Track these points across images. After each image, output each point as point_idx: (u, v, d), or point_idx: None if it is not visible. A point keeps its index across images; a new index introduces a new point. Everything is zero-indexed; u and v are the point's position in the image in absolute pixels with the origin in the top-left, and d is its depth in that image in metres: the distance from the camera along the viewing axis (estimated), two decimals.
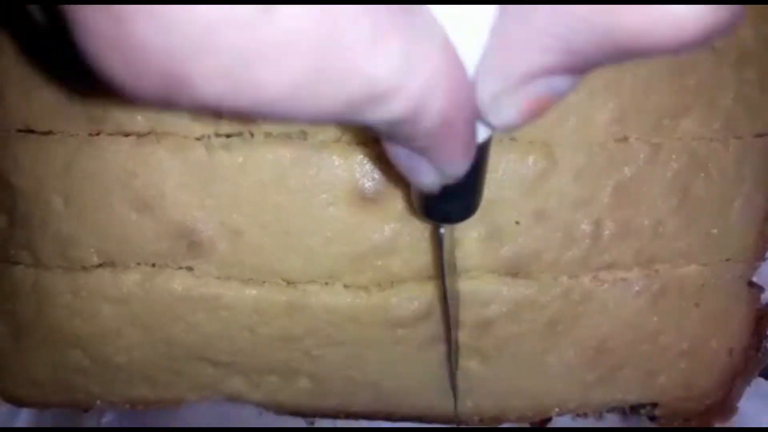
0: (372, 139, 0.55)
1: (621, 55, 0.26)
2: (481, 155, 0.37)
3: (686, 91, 0.59)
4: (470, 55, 0.28)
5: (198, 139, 0.55)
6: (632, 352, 0.65)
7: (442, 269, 0.53)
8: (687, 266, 0.64)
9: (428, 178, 0.34)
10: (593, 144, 0.58)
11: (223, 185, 0.55)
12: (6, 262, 0.61)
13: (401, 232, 0.57)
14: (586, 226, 0.59)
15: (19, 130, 0.56)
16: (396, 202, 0.56)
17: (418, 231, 0.58)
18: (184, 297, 0.59)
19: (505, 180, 0.57)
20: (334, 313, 0.59)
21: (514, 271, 0.60)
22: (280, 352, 0.61)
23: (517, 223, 0.58)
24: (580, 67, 0.28)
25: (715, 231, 0.63)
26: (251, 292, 0.58)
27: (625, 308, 0.63)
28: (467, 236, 0.58)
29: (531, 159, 0.57)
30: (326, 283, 0.58)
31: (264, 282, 0.58)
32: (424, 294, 0.60)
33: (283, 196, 0.55)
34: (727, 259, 0.64)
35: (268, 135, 0.55)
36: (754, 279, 0.69)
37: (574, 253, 0.60)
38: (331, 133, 0.55)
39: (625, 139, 0.59)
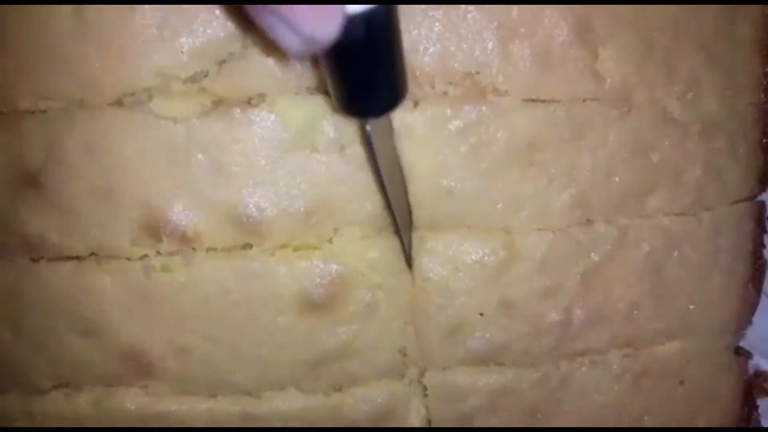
0: (319, 244, 0.52)
1: None
2: (372, 33, 0.36)
3: (651, 168, 0.56)
4: None
5: (140, 258, 0.52)
6: None
7: (376, 169, 0.49)
8: (668, 344, 0.60)
9: (289, 40, 0.33)
10: (555, 231, 0.55)
11: (167, 305, 0.52)
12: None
13: (358, 333, 0.54)
14: (555, 315, 0.56)
15: None
16: (349, 304, 0.53)
17: (376, 329, 0.54)
18: (138, 415, 0.56)
19: (465, 270, 0.54)
20: (290, 420, 0.56)
21: (485, 362, 0.57)
22: None
23: (482, 314, 0.55)
24: None
25: (694, 307, 0.59)
26: (205, 405, 0.55)
27: (606, 391, 0.60)
28: (432, 329, 0.55)
29: (489, 248, 0.54)
30: (282, 389, 0.55)
31: (217, 395, 0.55)
32: (382, 392, 0.56)
33: (229, 310, 0.52)
34: (710, 333, 0.61)
35: (210, 250, 0.52)
36: (742, 344, 0.66)
37: (545, 343, 0.57)
38: (279, 240, 0.52)
39: (590, 223, 0.55)
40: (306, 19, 0.32)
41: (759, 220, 0.61)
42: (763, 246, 0.62)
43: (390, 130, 0.49)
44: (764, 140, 0.60)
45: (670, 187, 0.56)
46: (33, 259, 0.52)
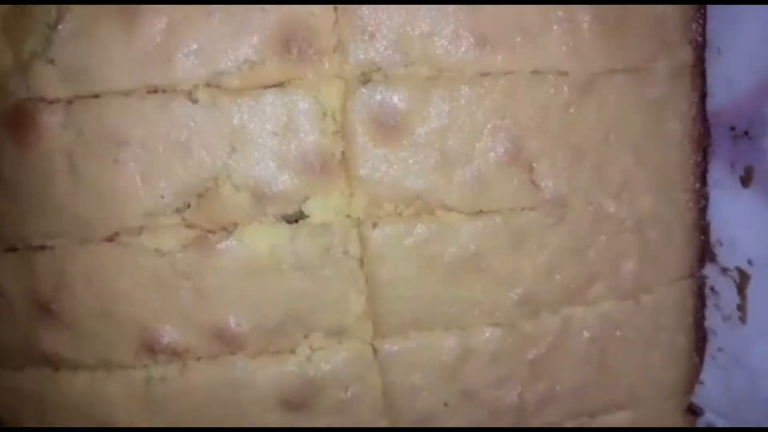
0: (293, 348, 0.58)
1: None
2: None
3: (588, 262, 0.60)
4: None
5: (143, 367, 0.58)
6: None
7: None
8: (619, 413, 0.65)
9: None
10: (504, 325, 0.60)
11: (166, 410, 0.58)
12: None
13: (333, 426, 0.60)
14: (510, 399, 0.61)
15: None
16: (323, 402, 0.58)
17: (353, 421, 0.60)
18: None
19: (427, 368, 0.59)
20: None
21: None
22: None
23: (446, 404, 0.60)
24: None
25: (639, 382, 0.64)
26: None
27: None
28: (403, 420, 0.61)
29: (447, 346, 0.59)
30: None
31: None
32: None
33: (220, 410, 0.58)
34: (657, 400, 0.65)
35: (201, 359, 0.58)
36: (695, 401, 0.70)
37: (504, 422, 0.61)
38: (257, 347, 0.58)
39: (537, 314, 0.60)
40: None
41: (699, 295, 0.66)
42: (704, 318, 0.66)
43: None
44: (701, 221, 0.64)
45: (608, 277, 0.60)
46: (54, 369, 0.59)
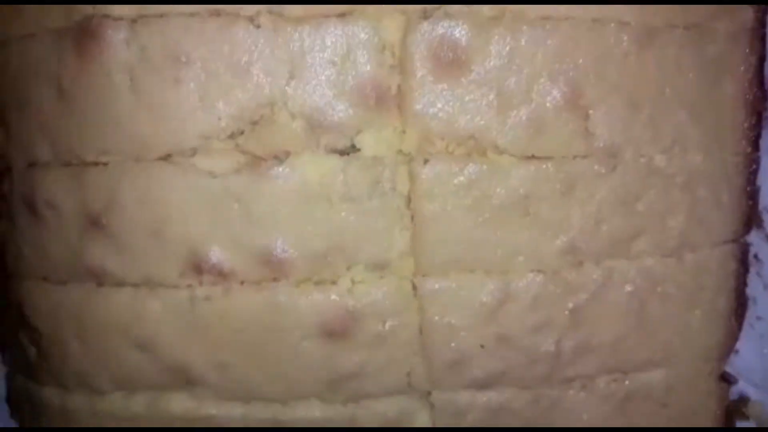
0: (334, 279, 0.58)
1: None
2: None
3: (637, 216, 0.60)
4: None
5: (187, 287, 0.59)
6: None
7: None
8: (652, 371, 0.64)
9: None
10: (547, 272, 0.60)
11: (209, 329, 0.58)
12: (37, 383, 0.68)
13: (369, 360, 0.59)
14: (546, 347, 0.61)
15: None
16: (361, 334, 0.58)
17: (385, 357, 0.60)
18: (183, 416, 0.63)
19: (466, 309, 0.59)
20: (312, 424, 0.62)
21: (485, 387, 0.63)
22: None
23: (482, 347, 0.61)
24: None
25: (677, 340, 0.64)
26: (241, 410, 0.62)
27: (593, 412, 0.64)
28: (437, 360, 0.61)
29: (488, 289, 0.59)
30: (305, 399, 0.62)
31: (251, 401, 0.62)
32: (392, 407, 0.62)
33: (261, 335, 0.59)
34: (692, 362, 0.65)
35: (244, 283, 0.59)
36: (729, 370, 0.70)
37: (538, 370, 0.62)
38: (301, 275, 0.59)
39: (580, 264, 0.60)
40: None
41: (743, 261, 0.65)
42: (746, 284, 0.65)
43: None
44: (748, 187, 0.64)
45: (654, 233, 0.60)
46: (98, 284, 0.60)
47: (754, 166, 0.62)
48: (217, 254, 0.56)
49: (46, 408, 0.65)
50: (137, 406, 0.62)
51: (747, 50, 0.60)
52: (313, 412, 0.62)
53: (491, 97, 0.54)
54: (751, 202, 0.63)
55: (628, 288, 0.60)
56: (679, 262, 0.60)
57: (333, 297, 0.57)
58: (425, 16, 0.53)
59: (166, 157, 0.55)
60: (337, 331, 0.58)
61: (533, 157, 0.56)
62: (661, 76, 0.57)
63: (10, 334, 0.67)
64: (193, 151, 0.55)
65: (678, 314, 0.61)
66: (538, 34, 0.53)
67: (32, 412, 0.66)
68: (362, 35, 0.53)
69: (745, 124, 0.61)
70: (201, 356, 0.59)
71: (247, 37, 0.53)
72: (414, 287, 0.58)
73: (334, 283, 0.58)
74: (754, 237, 0.65)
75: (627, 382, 0.62)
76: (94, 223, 0.57)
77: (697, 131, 0.58)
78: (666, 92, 0.57)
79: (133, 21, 0.52)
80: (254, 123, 0.54)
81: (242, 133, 0.55)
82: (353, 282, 0.58)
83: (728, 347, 0.65)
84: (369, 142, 0.55)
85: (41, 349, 0.63)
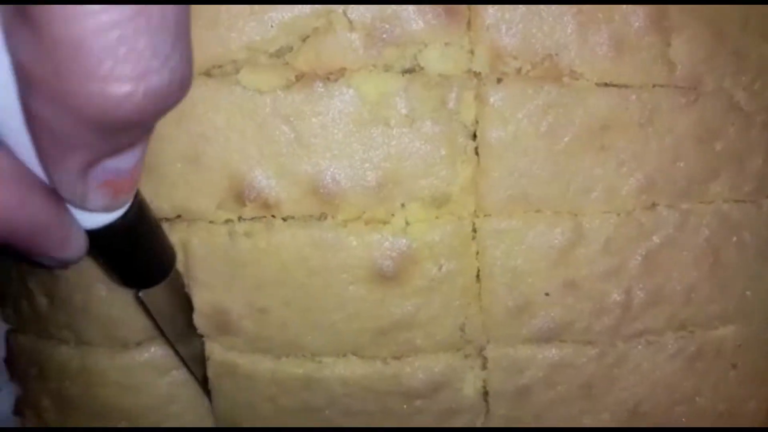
0: (387, 218, 0.52)
1: (108, 128, 0.26)
2: (120, 233, 0.38)
3: (714, 155, 0.55)
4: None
5: (224, 222, 0.52)
6: (668, 415, 0.60)
7: (159, 329, 0.52)
8: (723, 328, 0.59)
9: (49, 262, 0.36)
10: (621, 213, 0.54)
11: (248, 268, 0.52)
12: (49, 341, 0.60)
13: (422, 307, 0.53)
14: (616, 296, 0.55)
15: None
16: (415, 278, 0.53)
17: (439, 304, 0.54)
18: (213, 366, 0.56)
19: (532, 252, 0.53)
20: (350, 385, 0.55)
21: (546, 339, 0.57)
22: (302, 422, 0.58)
23: (547, 294, 0.55)
24: (110, 148, 0.28)
25: (749, 293, 0.58)
26: (269, 365, 0.55)
27: (660, 370, 0.59)
28: (497, 308, 0.55)
29: (558, 230, 0.54)
30: (344, 356, 0.56)
31: (282, 357, 0.55)
32: (439, 364, 0.56)
33: (305, 276, 0.52)
34: (766, 319, 0.60)
35: (288, 218, 0.52)
36: None
37: (605, 322, 0.56)
38: (351, 211, 0.52)
39: (654, 206, 0.55)
40: (50, 253, 0.35)
41: None
42: None
43: (169, 294, 0.51)
44: None
45: (732, 175, 0.55)
46: None
47: None
48: (261, 181, 0.49)
49: (62, 369, 0.58)
50: (164, 355, 0.55)
51: None
52: (351, 369, 0.55)
53: (573, 11, 0.48)
54: None
55: (703, 234, 0.54)
56: (756, 207, 0.56)
57: (385, 236, 0.51)
58: None
59: (208, 72, 0.48)
60: (388, 274, 0.51)
61: (611, 84, 0.50)
62: (747, 5, 0.51)
63: (16, 284, 0.59)
64: (238, 66, 0.48)
65: (753, 265, 0.56)
66: None
67: (41, 376, 0.58)
68: None
69: None
70: (238, 300, 0.52)
71: None
72: (474, 228, 0.52)
73: (386, 222, 0.51)
74: None
75: (697, 338, 0.56)
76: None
77: None
78: (751, 22, 0.52)
79: None
80: (306, 37, 0.48)
81: (291, 49, 0.48)
82: (407, 221, 0.51)
83: None
84: (435, 58, 0.49)
85: (57, 297, 0.55)
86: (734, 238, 0.56)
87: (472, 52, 0.50)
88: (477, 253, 0.53)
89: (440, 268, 0.52)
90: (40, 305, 0.58)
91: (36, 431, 0.62)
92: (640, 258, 0.54)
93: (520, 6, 0.48)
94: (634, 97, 0.51)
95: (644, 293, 0.55)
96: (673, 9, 0.50)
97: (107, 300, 0.54)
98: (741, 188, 0.55)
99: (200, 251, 0.51)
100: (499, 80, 0.49)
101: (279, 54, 0.49)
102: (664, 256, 0.54)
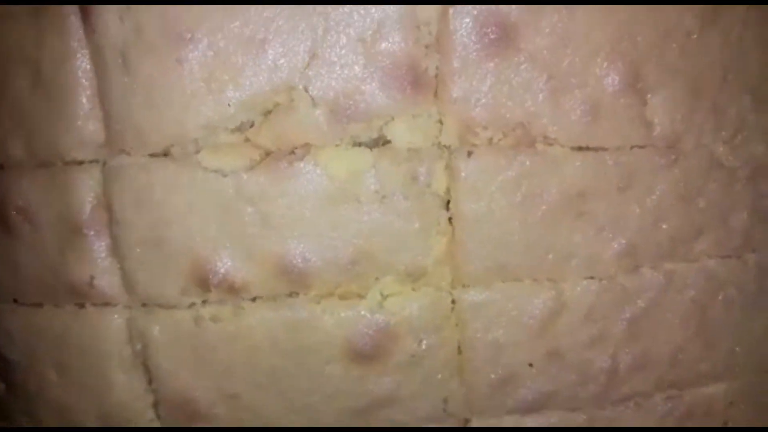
0: (363, 292, 0.49)
1: None
2: None
3: (697, 213, 0.52)
4: None
5: (188, 307, 0.49)
6: None
7: None
8: (712, 385, 0.57)
9: None
10: (603, 279, 0.51)
11: (217, 354, 0.49)
12: (9, 423, 0.57)
13: (403, 383, 0.51)
14: (601, 363, 0.53)
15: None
16: (395, 354, 0.50)
17: (420, 380, 0.52)
18: None
19: (513, 323, 0.51)
20: None
21: (532, 409, 0.54)
22: None
23: (530, 365, 0.52)
24: None
25: (738, 349, 0.56)
26: None
27: None
28: (480, 381, 0.52)
29: (539, 300, 0.51)
30: None
31: None
32: None
33: (278, 359, 0.50)
34: (755, 373, 0.57)
35: (258, 299, 0.49)
36: None
37: (591, 389, 0.54)
38: (324, 287, 0.49)
39: (637, 269, 0.52)
40: None
41: None
42: None
43: None
44: None
45: (716, 231, 0.53)
46: (78, 305, 0.50)
47: None
48: (226, 265, 0.46)
49: None
50: None
51: None
52: None
53: (543, 79, 0.45)
54: None
55: (689, 293, 0.52)
56: (742, 263, 0.54)
57: (362, 312, 0.48)
58: None
59: (166, 152, 0.45)
60: (367, 352, 0.49)
61: (587, 148, 0.47)
62: (724, 59, 0.50)
63: None
64: (198, 145, 0.45)
65: (740, 321, 0.54)
66: (595, 11, 0.45)
67: None
68: (395, 9, 0.44)
69: None
70: (207, 387, 0.50)
71: (262, 9, 0.43)
72: (453, 300, 0.49)
73: (361, 296, 0.48)
74: None
75: (686, 398, 0.54)
76: (77, 232, 0.47)
77: (760, 118, 0.52)
78: (729, 77, 0.50)
79: None
80: (267, 112, 0.45)
81: (252, 125, 0.45)
82: (383, 295, 0.48)
83: None
84: (402, 133, 0.46)
85: (12, 382, 0.52)
86: (720, 295, 0.53)
87: (440, 122, 0.47)
88: (456, 325, 0.50)
89: (420, 343, 0.50)
90: None
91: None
92: (624, 323, 0.52)
93: (489, 76, 0.45)
94: (611, 161, 0.49)
95: (630, 357, 0.53)
96: (648, 68, 0.48)
97: (59, 384, 0.51)
98: (726, 244, 0.53)
99: (163, 339, 0.48)
100: (469, 153, 0.47)
101: (240, 130, 0.46)
102: (649, 319, 0.52)
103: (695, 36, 0.49)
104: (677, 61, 0.49)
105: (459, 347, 0.51)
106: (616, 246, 0.50)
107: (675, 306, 0.53)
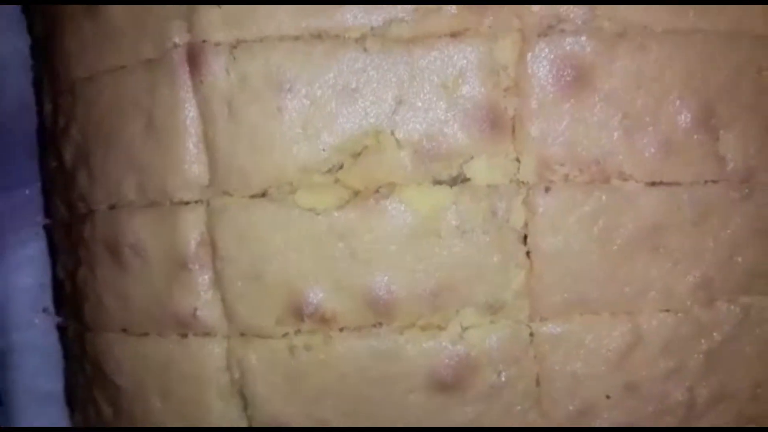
0: (443, 324, 0.51)
1: None
2: None
3: None
4: None
5: (283, 337, 0.52)
6: None
7: None
8: None
9: None
10: (679, 312, 0.52)
11: (307, 381, 0.52)
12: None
13: (483, 413, 0.52)
14: (679, 396, 0.53)
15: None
16: (476, 385, 0.52)
17: (500, 410, 0.53)
18: None
19: (591, 355, 0.52)
20: None
21: None
22: None
23: (608, 397, 0.53)
24: None
25: None
26: None
27: None
28: (558, 413, 0.53)
29: (616, 333, 0.52)
30: None
31: None
32: None
33: (365, 386, 0.52)
34: None
35: (345, 329, 0.52)
36: None
37: (668, 421, 0.53)
38: (407, 318, 0.51)
39: (712, 302, 0.52)
40: None
41: None
42: None
43: None
44: None
45: None
46: (181, 335, 0.53)
47: None
48: (319, 297, 0.49)
49: None
50: None
51: None
52: None
53: (618, 118, 0.47)
54: None
55: (766, 327, 0.51)
56: None
57: (443, 344, 0.50)
58: (543, 33, 0.47)
59: (264, 193, 0.49)
60: (449, 381, 0.50)
61: (661, 183, 0.49)
62: None
63: (84, 391, 0.60)
64: (293, 186, 0.48)
65: None
66: (667, 50, 0.47)
67: None
68: (475, 56, 0.47)
69: None
70: (298, 413, 0.52)
71: (354, 61, 0.47)
72: (531, 333, 0.51)
73: (442, 328, 0.50)
74: None
75: None
76: (183, 267, 0.51)
77: None
78: None
79: (233, 46, 0.47)
80: (357, 155, 0.48)
81: (342, 166, 0.48)
82: (462, 327, 0.50)
83: None
84: (481, 171, 0.49)
85: (119, 407, 0.56)
86: None
87: (518, 160, 0.49)
88: (535, 357, 0.51)
89: (499, 375, 0.51)
90: (106, 414, 0.58)
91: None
92: (701, 356, 0.52)
93: (565, 116, 0.48)
94: (685, 195, 0.49)
95: (708, 391, 0.52)
96: (720, 105, 0.49)
97: (163, 411, 0.54)
98: None
99: (259, 367, 0.51)
100: (547, 189, 0.48)
101: (331, 171, 0.49)
102: (726, 352, 0.52)
103: (766, 71, 0.50)
104: (749, 97, 0.50)
105: (537, 379, 0.52)
106: (691, 279, 0.51)
107: (752, 340, 0.52)
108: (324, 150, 0.48)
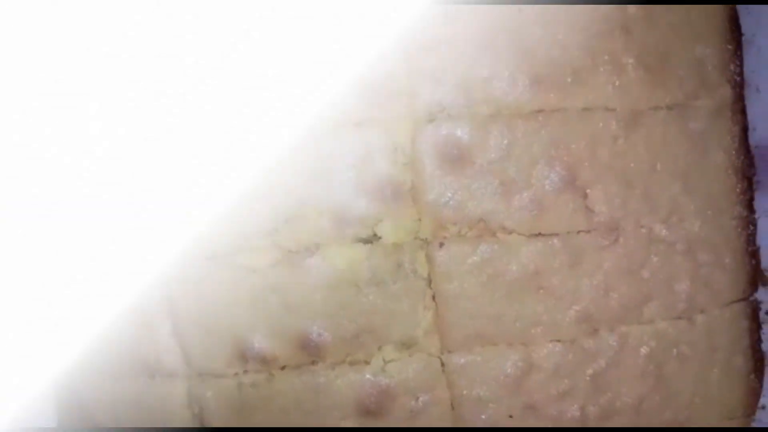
0: (368, 359, 0.60)
1: None
2: None
3: (643, 283, 0.61)
4: None
5: (234, 376, 0.62)
6: None
7: None
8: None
9: None
10: (565, 342, 0.61)
11: (255, 414, 0.61)
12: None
13: None
14: (572, 413, 0.61)
15: None
16: (396, 410, 0.60)
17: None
18: None
19: (492, 381, 0.60)
20: None
21: None
22: None
23: (511, 416, 0.61)
24: None
25: (698, 400, 0.63)
26: None
27: None
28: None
29: (510, 361, 0.61)
30: None
31: None
32: None
33: (303, 417, 0.60)
34: (716, 421, 0.64)
35: (285, 368, 0.61)
36: (756, 425, 0.68)
37: None
38: (338, 355, 0.61)
39: (595, 332, 0.61)
40: None
41: (754, 318, 0.65)
42: (761, 341, 0.65)
43: None
44: (749, 248, 0.65)
45: (663, 297, 0.61)
46: (150, 376, 0.63)
47: (752, 228, 0.64)
48: (260, 342, 0.59)
49: None
50: None
51: (730, 123, 0.63)
52: None
53: (495, 184, 0.57)
54: (754, 261, 0.64)
55: (644, 351, 0.60)
56: (691, 323, 0.61)
57: (367, 376, 0.59)
58: (430, 119, 0.57)
59: (213, 256, 0.59)
60: (373, 409, 0.59)
61: (540, 234, 0.58)
62: (651, 153, 0.59)
63: None
64: (237, 250, 0.59)
65: (696, 374, 0.61)
66: (532, 126, 0.57)
67: None
68: (377, 140, 0.57)
69: (737, 189, 0.63)
70: None
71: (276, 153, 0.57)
72: (442, 363, 0.60)
73: (367, 362, 0.59)
74: (763, 294, 0.65)
75: None
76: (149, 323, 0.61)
77: (692, 200, 0.61)
78: (657, 167, 0.60)
79: None
80: (287, 221, 0.58)
81: (276, 230, 0.59)
82: (384, 361, 0.59)
83: (752, 405, 0.64)
84: (389, 231, 0.58)
85: None
86: (674, 352, 0.61)
87: (419, 221, 0.59)
88: (447, 384, 0.60)
89: (417, 401, 0.60)
90: None
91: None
92: (588, 379, 0.60)
93: (452, 184, 0.58)
94: (560, 244, 0.59)
95: (597, 408, 0.60)
96: (584, 169, 0.58)
97: None
98: (674, 307, 0.61)
99: (214, 402, 0.60)
100: (441, 244, 0.58)
101: (269, 234, 0.59)
102: (610, 374, 0.60)
103: (621, 138, 0.59)
104: (608, 161, 0.59)
105: (451, 403, 0.61)
106: (573, 313, 0.59)
107: (632, 362, 0.61)
108: (260, 218, 0.59)
